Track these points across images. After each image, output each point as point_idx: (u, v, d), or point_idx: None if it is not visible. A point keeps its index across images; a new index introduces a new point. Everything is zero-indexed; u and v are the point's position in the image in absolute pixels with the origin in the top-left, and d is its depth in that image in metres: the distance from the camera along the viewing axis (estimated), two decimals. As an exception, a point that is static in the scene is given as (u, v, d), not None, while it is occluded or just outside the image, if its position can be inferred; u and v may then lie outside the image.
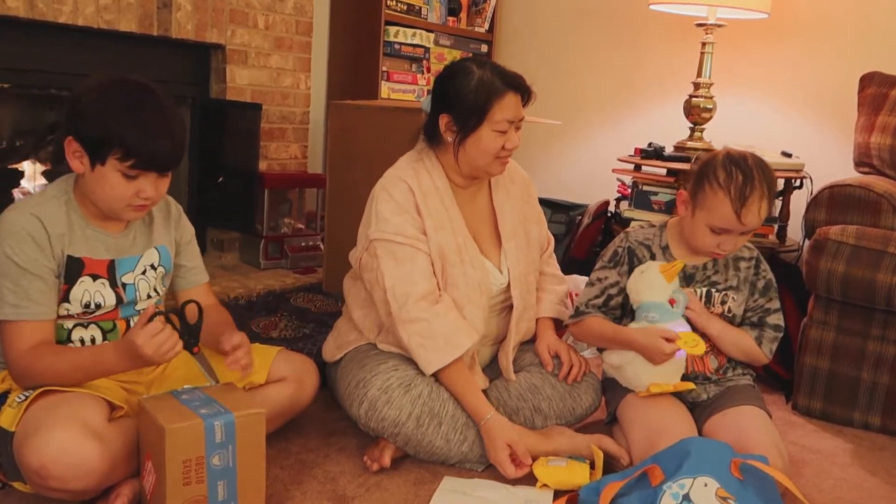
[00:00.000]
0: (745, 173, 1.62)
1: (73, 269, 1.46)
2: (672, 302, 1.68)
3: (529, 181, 1.97)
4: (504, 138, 1.69)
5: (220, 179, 3.01)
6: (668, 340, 1.62)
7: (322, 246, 3.09)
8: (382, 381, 1.64)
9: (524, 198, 1.92)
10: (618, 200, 3.09)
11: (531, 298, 1.88)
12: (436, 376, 1.68)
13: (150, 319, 1.37)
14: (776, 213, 2.78)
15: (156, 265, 1.59)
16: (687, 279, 1.75)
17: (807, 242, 2.15)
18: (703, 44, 2.88)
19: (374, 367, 1.67)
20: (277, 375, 1.67)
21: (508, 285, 1.82)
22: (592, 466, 1.64)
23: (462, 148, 1.71)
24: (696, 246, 1.72)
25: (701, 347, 1.65)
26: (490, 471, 1.68)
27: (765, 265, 1.80)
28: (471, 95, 1.67)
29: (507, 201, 1.86)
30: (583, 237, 2.98)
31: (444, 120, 1.71)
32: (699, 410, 1.74)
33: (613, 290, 1.78)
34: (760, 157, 1.68)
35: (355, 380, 1.68)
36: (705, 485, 1.32)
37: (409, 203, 1.71)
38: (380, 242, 1.69)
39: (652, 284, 1.70)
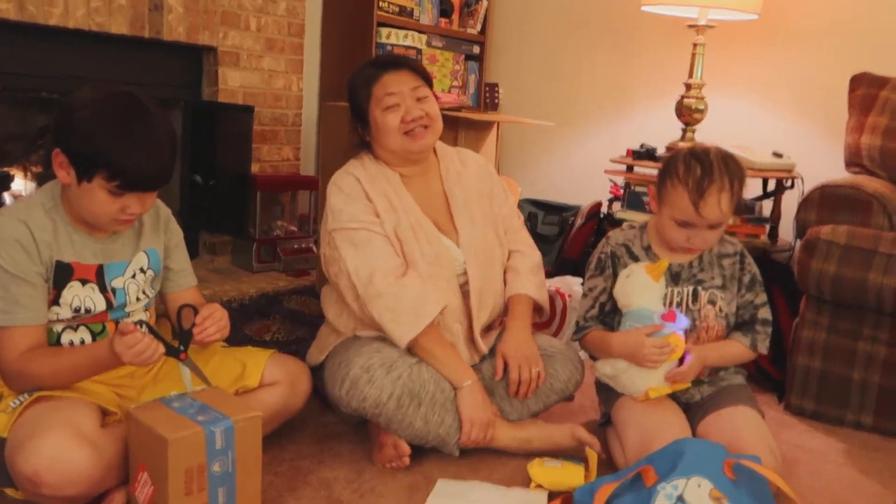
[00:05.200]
0: (704, 166, 1.63)
1: (62, 274, 1.46)
2: (668, 317, 1.67)
3: (486, 162, 2.02)
4: (402, 111, 1.76)
5: (212, 182, 3.00)
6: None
7: (315, 248, 3.09)
8: (365, 360, 1.65)
9: (480, 176, 1.94)
10: (610, 201, 3.10)
11: (491, 273, 1.85)
12: (416, 353, 1.70)
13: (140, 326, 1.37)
14: (767, 213, 2.79)
15: (145, 269, 1.59)
16: (673, 278, 1.75)
17: (798, 242, 2.16)
18: (695, 45, 2.89)
19: (358, 349, 1.70)
20: (270, 379, 1.67)
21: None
22: (587, 468, 1.64)
23: (373, 141, 1.82)
24: (667, 241, 1.74)
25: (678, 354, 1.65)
26: (483, 473, 1.68)
27: (749, 259, 1.80)
28: (357, 91, 1.81)
29: (457, 184, 1.90)
30: (576, 238, 2.99)
31: (352, 122, 1.87)
32: (693, 411, 1.75)
33: (603, 298, 1.79)
34: (727, 151, 1.68)
35: (338, 361, 1.71)
36: (699, 485, 1.33)
37: (357, 191, 1.78)
38: (337, 232, 1.74)
39: (639, 287, 1.70)
